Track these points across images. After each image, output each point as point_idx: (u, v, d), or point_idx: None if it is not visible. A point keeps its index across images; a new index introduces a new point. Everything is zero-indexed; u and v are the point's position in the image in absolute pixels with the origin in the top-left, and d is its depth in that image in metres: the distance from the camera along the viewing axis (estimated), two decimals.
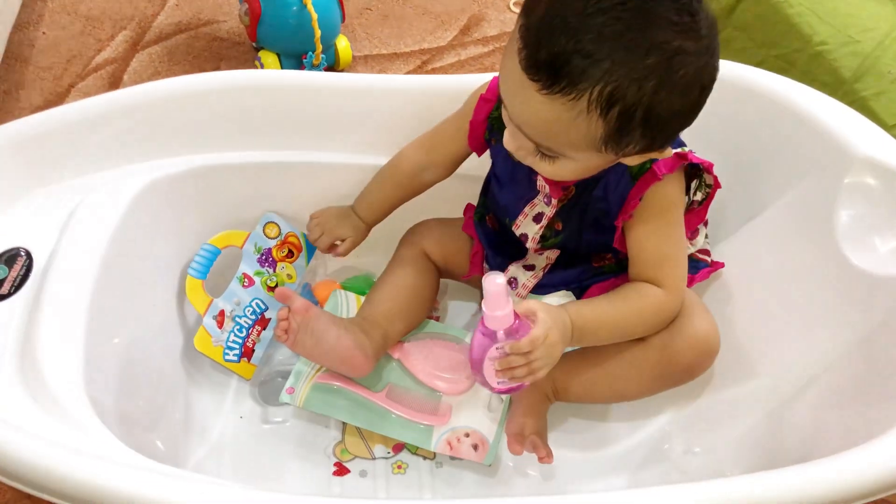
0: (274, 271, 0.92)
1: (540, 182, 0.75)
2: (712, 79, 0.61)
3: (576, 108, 0.58)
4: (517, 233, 0.80)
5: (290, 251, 0.93)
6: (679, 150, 0.71)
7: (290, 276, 0.93)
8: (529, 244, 0.80)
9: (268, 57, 1.29)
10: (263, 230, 0.92)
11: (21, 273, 0.73)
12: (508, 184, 0.80)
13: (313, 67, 1.28)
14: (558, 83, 0.57)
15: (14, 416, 0.63)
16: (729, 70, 0.87)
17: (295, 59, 1.29)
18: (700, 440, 0.84)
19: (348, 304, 0.90)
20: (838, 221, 0.77)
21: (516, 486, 0.82)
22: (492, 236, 0.86)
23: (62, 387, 0.65)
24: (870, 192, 0.76)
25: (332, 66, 1.35)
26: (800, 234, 0.81)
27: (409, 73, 1.38)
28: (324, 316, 0.79)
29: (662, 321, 0.75)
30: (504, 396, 0.84)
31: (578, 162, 0.64)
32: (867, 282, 0.74)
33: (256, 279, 0.91)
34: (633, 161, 0.66)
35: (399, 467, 0.82)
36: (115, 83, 1.32)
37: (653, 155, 0.65)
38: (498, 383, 0.70)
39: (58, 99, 1.28)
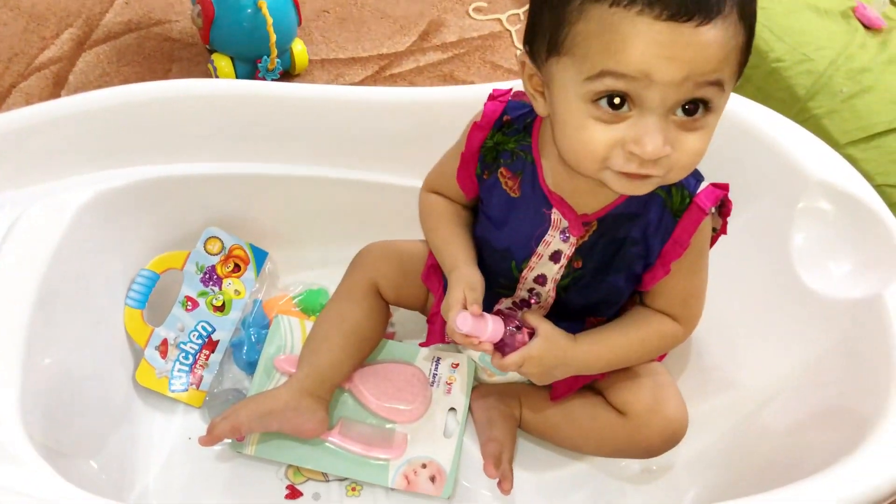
0: (220, 289, 0.89)
1: (556, 216, 0.69)
2: None
3: (731, 21, 0.54)
4: (530, 276, 0.73)
5: (237, 265, 0.90)
6: (708, 182, 0.67)
7: (237, 292, 0.90)
8: (549, 285, 0.73)
9: (221, 60, 1.25)
10: (204, 247, 0.88)
11: None
12: (507, 224, 0.72)
13: (268, 72, 1.25)
14: (713, 7, 0.53)
15: None
16: None
17: (249, 62, 1.25)
18: (656, 458, 0.84)
19: (292, 332, 0.87)
20: (793, 244, 0.78)
21: None
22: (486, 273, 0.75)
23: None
24: (824, 215, 0.77)
25: (288, 70, 1.32)
26: (756, 256, 0.82)
27: (366, 78, 1.36)
28: (259, 413, 0.75)
29: (667, 351, 0.75)
30: (461, 418, 0.82)
31: (721, 111, 0.58)
32: (822, 304, 0.75)
33: (201, 300, 0.88)
34: (723, 106, 0.59)
35: (353, 489, 0.80)
36: (59, 83, 1.27)
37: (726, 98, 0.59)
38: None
39: None
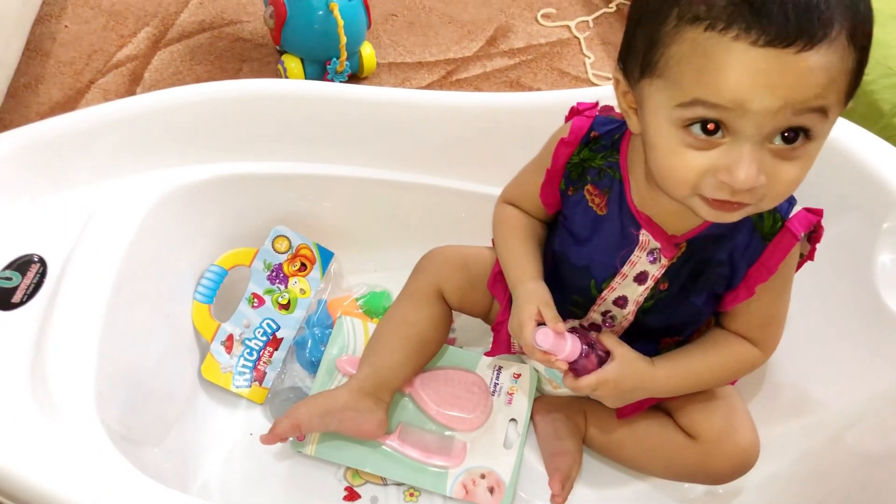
0: (286, 287, 0.90)
1: (644, 237, 0.67)
2: None
3: (839, 46, 0.50)
4: (610, 297, 0.71)
5: (303, 264, 0.91)
6: (801, 206, 0.65)
7: (303, 291, 0.90)
8: (629, 307, 0.71)
9: (291, 61, 1.27)
10: (272, 245, 0.89)
11: (34, 281, 0.71)
12: (590, 241, 0.70)
13: (337, 74, 1.26)
14: (817, 31, 0.49)
15: (23, 433, 0.61)
16: None
17: (319, 64, 1.27)
18: None
19: (355, 333, 0.87)
20: (877, 265, 0.75)
21: None
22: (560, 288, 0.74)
23: (72, 404, 0.64)
24: None
25: (356, 73, 1.32)
26: (837, 275, 0.79)
27: (433, 82, 1.36)
28: (319, 411, 0.76)
29: (744, 375, 0.73)
30: (521, 429, 0.81)
31: (824, 139, 0.55)
32: None
33: (267, 298, 0.88)
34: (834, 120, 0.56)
35: (411, 495, 0.80)
36: (135, 80, 1.31)
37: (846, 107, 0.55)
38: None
39: (77, 95, 1.27)
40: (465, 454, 0.80)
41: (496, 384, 0.85)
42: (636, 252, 0.68)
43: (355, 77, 1.33)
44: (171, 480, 0.69)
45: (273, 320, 0.88)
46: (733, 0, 0.50)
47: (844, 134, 0.82)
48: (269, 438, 0.75)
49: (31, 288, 0.70)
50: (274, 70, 1.34)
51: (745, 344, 0.71)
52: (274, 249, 0.89)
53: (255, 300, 0.88)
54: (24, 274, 0.71)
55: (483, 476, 0.79)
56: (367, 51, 1.32)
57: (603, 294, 0.72)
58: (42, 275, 0.72)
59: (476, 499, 0.78)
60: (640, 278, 0.70)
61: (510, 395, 0.84)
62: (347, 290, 0.94)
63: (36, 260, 0.72)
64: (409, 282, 0.84)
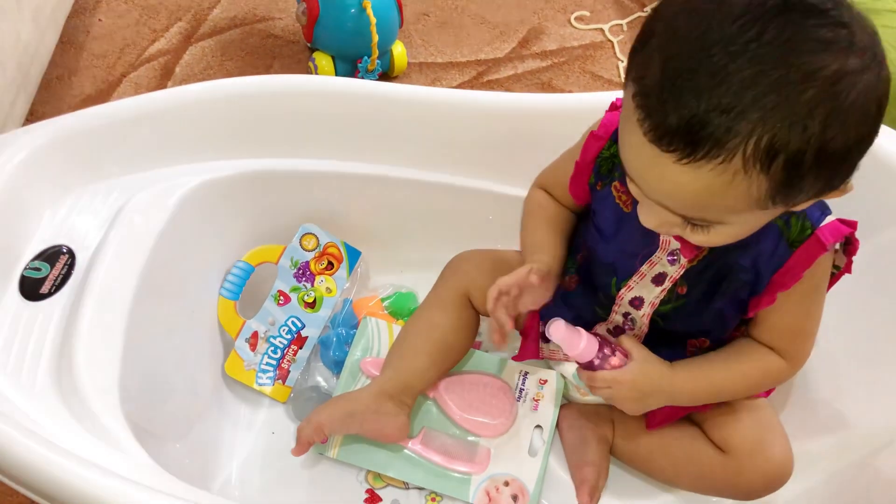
0: (312, 285, 0.89)
1: (664, 237, 0.66)
2: (887, 88, 0.50)
3: (728, 170, 0.48)
4: (627, 297, 0.70)
5: (330, 263, 0.90)
6: (835, 217, 0.62)
7: (329, 290, 0.89)
8: (644, 309, 0.70)
9: (322, 59, 1.26)
10: (300, 242, 0.89)
11: (63, 272, 0.71)
12: (615, 238, 0.69)
13: (368, 72, 1.25)
14: (700, 148, 0.47)
15: (46, 425, 0.61)
16: None
17: (350, 62, 1.26)
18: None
19: (380, 334, 0.86)
20: None
21: None
22: (567, 295, 0.75)
23: (97, 396, 0.63)
24: None
25: (387, 72, 1.32)
26: (876, 288, 0.76)
27: (464, 83, 1.35)
28: (341, 415, 0.74)
29: (770, 388, 0.71)
30: (547, 437, 0.80)
31: (739, 225, 0.55)
32: None
33: (293, 296, 0.88)
34: (807, 205, 0.55)
35: (434, 500, 0.79)
36: (167, 75, 1.31)
37: (832, 195, 0.54)
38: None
39: (109, 88, 1.27)
40: (489, 461, 0.78)
41: (522, 390, 0.84)
42: (658, 253, 0.67)
43: (386, 76, 1.33)
44: (192, 477, 0.68)
45: (298, 318, 0.87)
46: (650, 84, 0.49)
47: (884, 140, 0.79)
48: (298, 450, 0.74)
49: (59, 279, 0.70)
50: (305, 67, 1.34)
51: (771, 354, 0.69)
52: (301, 247, 0.88)
53: (281, 298, 0.87)
54: (52, 265, 0.71)
55: (507, 483, 0.77)
56: (399, 50, 1.31)
57: (621, 293, 0.71)
58: (70, 266, 0.71)
59: None
60: (658, 279, 0.68)
61: (536, 401, 0.83)
62: (373, 290, 0.93)
63: (65, 251, 0.72)
64: (437, 285, 0.83)
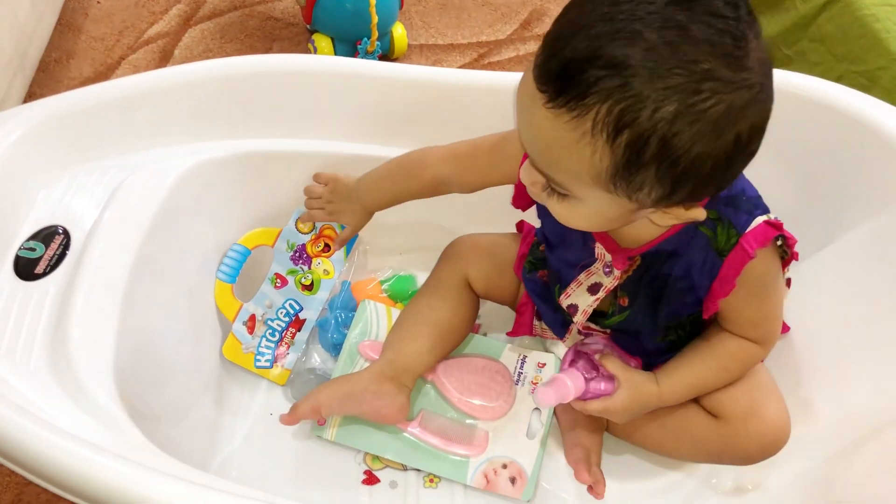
0: (309, 268, 0.88)
1: (599, 249, 0.67)
2: (755, 128, 0.50)
3: (580, 127, 0.49)
4: (564, 303, 0.72)
5: (327, 245, 0.89)
6: (766, 216, 0.61)
7: (326, 272, 0.89)
8: (578, 317, 0.72)
9: (321, 41, 1.25)
10: (296, 225, 0.88)
11: (58, 252, 0.70)
12: (559, 247, 0.72)
13: (367, 54, 1.24)
14: (565, 94, 0.48)
15: (41, 405, 0.60)
16: (808, 84, 0.81)
17: (349, 44, 1.25)
18: (752, 477, 0.79)
19: (378, 318, 0.85)
20: None
21: None
22: (544, 292, 0.78)
23: (92, 377, 0.63)
24: None
25: (387, 53, 1.31)
26: (875, 271, 0.75)
27: (464, 65, 1.34)
28: (339, 395, 0.75)
29: (750, 369, 0.71)
30: (545, 420, 0.80)
31: (590, 205, 0.55)
32: None
33: (290, 279, 0.87)
34: (660, 219, 0.57)
35: (431, 481, 0.78)
36: (165, 57, 1.30)
37: (677, 212, 0.55)
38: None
39: (107, 70, 1.26)
40: (487, 443, 0.78)
41: (520, 373, 0.83)
42: (596, 264, 0.69)
43: (386, 58, 1.32)
44: (189, 458, 0.68)
45: (296, 301, 0.87)
46: (557, 27, 0.50)
47: (890, 120, 0.79)
48: (289, 419, 0.75)
49: (53, 259, 0.70)
50: (304, 49, 1.33)
51: (744, 342, 0.69)
52: (297, 230, 0.88)
53: (278, 280, 0.87)
54: (47, 245, 0.70)
55: (505, 466, 0.77)
56: (399, 31, 1.30)
57: (560, 299, 0.73)
58: (65, 246, 0.71)
59: (497, 489, 0.76)
60: (593, 289, 0.70)
61: (534, 384, 0.82)
62: (372, 273, 0.93)
63: (60, 231, 0.72)
64: (436, 269, 0.83)
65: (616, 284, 0.68)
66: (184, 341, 0.78)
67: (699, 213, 0.56)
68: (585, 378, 0.69)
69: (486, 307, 0.89)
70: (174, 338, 0.76)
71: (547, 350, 0.85)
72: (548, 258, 0.75)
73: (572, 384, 0.68)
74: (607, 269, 0.68)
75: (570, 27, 0.49)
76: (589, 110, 0.48)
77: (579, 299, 0.71)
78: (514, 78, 0.86)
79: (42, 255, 0.70)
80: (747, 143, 0.51)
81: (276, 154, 0.85)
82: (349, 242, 0.90)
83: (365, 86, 0.84)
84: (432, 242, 0.88)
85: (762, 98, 0.50)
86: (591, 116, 0.48)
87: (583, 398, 0.69)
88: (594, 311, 0.71)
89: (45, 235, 0.71)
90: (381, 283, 0.91)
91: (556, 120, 0.49)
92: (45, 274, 0.69)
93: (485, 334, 0.89)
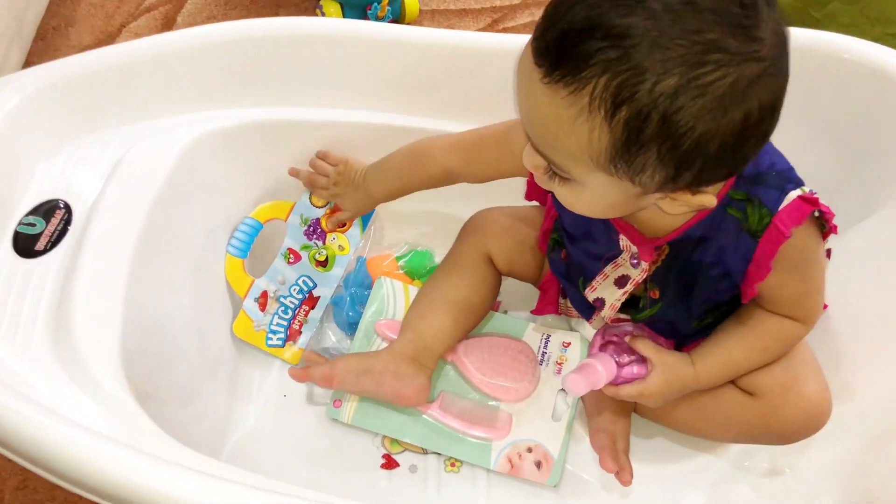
0: (323, 243, 0.84)
1: (624, 241, 0.63)
2: (765, 107, 0.46)
3: (577, 103, 0.45)
4: (590, 297, 0.69)
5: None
6: (800, 190, 0.56)
7: (342, 248, 0.85)
8: (606, 311, 0.69)
9: (330, 6, 1.20)
10: (310, 199, 0.84)
11: (59, 227, 0.67)
12: (582, 239, 0.68)
13: (377, 20, 1.20)
14: (562, 67, 0.45)
15: (44, 390, 0.57)
16: (844, 43, 0.77)
17: (359, 9, 1.20)
18: (787, 460, 0.75)
19: (395, 295, 0.81)
20: None
21: (581, 497, 0.74)
22: (568, 272, 0.73)
23: (97, 359, 0.60)
24: None
25: (398, 19, 1.26)
26: None
27: (478, 30, 1.29)
28: (357, 370, 0.72)
29: (790, 349, 0.67)
30: (570, 402, 0.76)
31: (593, 189, 0.51)
32: None
33: (303, 254, 0.83)
34: (669, 207, 0.53)
35: (452, 465, 0.75)
36: (167, 24, 1.25)
37: (684, 197, 0.51)
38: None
39: (108, 38, 1.22)
40: (511, 426, 0.75)
41: (544, 353, 0.80)
42: (622, 255, 0.65)
43: (396, 23, 1.26)
44: (199, 444, 0.65)
45: (309, 277, 0.83)
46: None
47: None
48: (299, 374, 0.72)
49: (55, 235, 0.66)
50: (312, 15, 1.28)
51: (784, 321, 0.65)
52: (311, 203, 0.84)
53: (291, 256, 0.83)
54: (48, 220, 0.67)
55: (530, 450, 0.74)
56: None
57: (586, 292, 0.69)
58: (67, 222, 0.68)
59: (522, 473, 0.73)
60: (621, 282, 0.66)
61: (559, 364, 0.79)
62: (388, 248, 0.89)
63: (61, 206, 0.68)
64: (456, 245, 0.80)
65: (645, 276, 0.65)
66: (192, 320, 0.75)
67: (709, 200, 0.52)
68: (617, 362, 0.66)
69: (506, 283, 0.85)
70: (182, 316, 0.72)
71: (572, 329, 0.81)
72: (569, 251, 0.71)
73: (603, 369, 0.64)
74: (634, 261, 0.64)
75: None
76: (586, 84, 0.44)
77: (606, 293, 0.68)
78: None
79: (42, 231, 0.66)
80: (758, 122, 0.47)
81: (287, 123, 0.81)
82: (366, 217, 0.86)
83: (382, 51, 0.80)
84: (450, 215, 0.84)
85: (774, 73, 0.46)
86: (589, 91, 0.45)
87: (614, 383, 0.65)
88: (623, 303, 0.68)
89: (46, 210, 0.68)
90: (397, 259, 0.87)
91: (553, 96, 0.46)
92: (45, 251, 0.66)
93: (505, 312, 0.85)
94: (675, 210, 0.53)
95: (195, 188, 0.75)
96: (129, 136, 0.74)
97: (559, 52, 0.45)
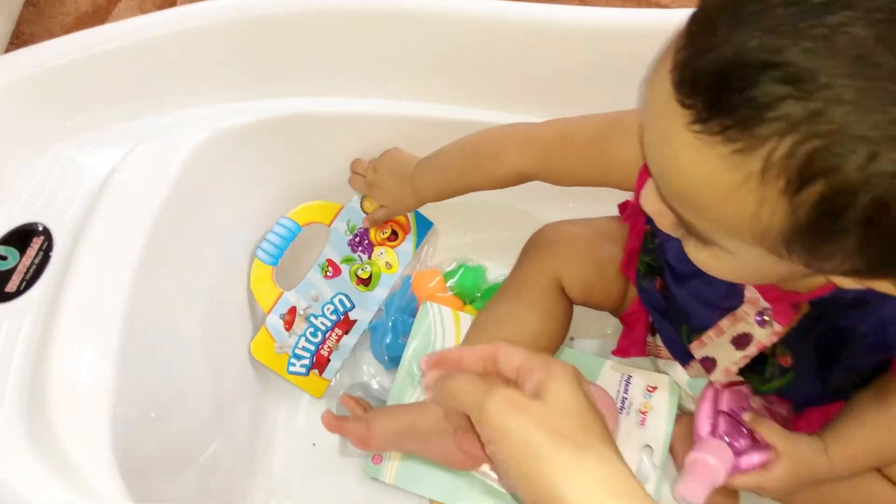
0: (369, 258, 0.74)
1: (751, 293, 0.52)
2: None
3: (742, 167, 0.33)
4: (697, 354, 0.58)
5: (395, 232, 0.75)
6: None
7: (389, 266, 0.74)
8: (717, 375, 0.58)
9: None
10: (361, 203, 0.74)
11: (36, 260, 0.56)
12: (692, 279, 0.56)
13: None
14: (722, 114, 0.33)
15: (11, 483, 0.46)
16: None
17: None
18: None
19: (444, 325, 0.70)
20: None
21: None
22: (662, 304, 0.63)
23: (81, 438, 0.49)
24: None
25: None
26: None
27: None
28: (397, 430, 0.63)
29: None
30: (659, 461, 0.64)
31: (741, 259, 0.40)
32: None
33: (344, 268, 0.73)
34: (841, 281, 0.40)
35: None
36: None
37: (867, 282, 0.38)
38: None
39: (108, 5, 1.10)
40: None
41: (624, 399, 0.68)
42: (742, 308, 0.54)
43: None
44: None
45: (347, 297, 0.73)
46: (711, 4, 0.34)
47: None
48: (333, 424, 0.65)
49: (30, 271, 0.55)
50: None
51: None
52: (362, 209, 0.74)
53: (330, 268, 0.73)
54: (22, 251, 0.56)
55: None
56: None
57: (691, 346, 0.59)
58: (47, 251, 0.56)
59: None
60: (741, 341, 0.55)
61: (643, 413, 0.67)
62: (435, 265, 0.77)
63: (39, 230, 0.57)
64: (519, 266, 0.68)
65: (776, 340, 0.54)
66: (203, 357, 0.64)
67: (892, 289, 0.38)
68: (732, 446, 0.55)
69: (576, 310, 0.73)
70: (190, 358, 0.62)
71: (659, 370, 0.69)
72: (671, 289, 0.59)
73: (718, 462, 0.54)
74: (760, 318, 0.53)
75: (730, 7, 0.32)
76: (760, 144, 0.32)
77: (719, 352, 0.57)
78: (602, 15, 0.69)
79: (16, 266, 0.55)
80: None
81: (324, 117, 0.71)
82: (421, 232, 0.75)
83: (431, 28, 0.68)
84: (507, 222, 0.74)
85: None
86: (763, 154, 0.32)
87: (728, 474, 0.55)
88: (742, 367, 0.56)
89: (20, 237, 0.57)
90: (446, 277, 0.76)
91: (707, 151, 0.34)
92: (20, 292, 0.55)
93: (571, 339, 0.74)
94: (847, 286, 0.40)
95: (206, 199, 0.65)
96: (125, 137, 0.63)
97: (718, 92, 0.32)
